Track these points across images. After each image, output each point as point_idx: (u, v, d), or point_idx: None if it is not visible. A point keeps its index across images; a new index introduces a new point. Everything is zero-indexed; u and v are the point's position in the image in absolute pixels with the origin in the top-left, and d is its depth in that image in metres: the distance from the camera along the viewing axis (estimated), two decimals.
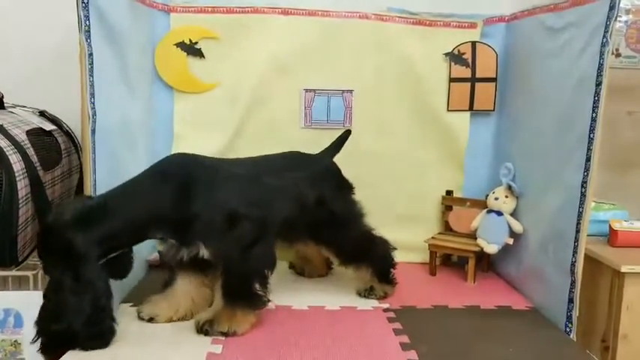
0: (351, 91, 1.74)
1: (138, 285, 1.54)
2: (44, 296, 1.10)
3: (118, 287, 1.41)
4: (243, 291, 1.25)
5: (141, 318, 1.30)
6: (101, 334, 1.13)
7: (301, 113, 1.74)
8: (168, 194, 1.20)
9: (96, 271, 1.11)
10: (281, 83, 1.72)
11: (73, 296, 1.07)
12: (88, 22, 1.22)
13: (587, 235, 1.52)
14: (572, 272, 1.29)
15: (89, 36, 1.23)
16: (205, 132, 1.71)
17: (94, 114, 1.25)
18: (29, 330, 1.16)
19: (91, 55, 1.23)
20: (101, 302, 1.11)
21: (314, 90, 1.74)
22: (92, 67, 1.24)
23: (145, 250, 1.65)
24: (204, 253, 1.23)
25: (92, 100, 1.25)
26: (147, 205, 1.18)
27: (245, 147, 1.73)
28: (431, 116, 1.75)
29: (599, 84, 1.23)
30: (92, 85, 1.24)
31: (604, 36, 1.22)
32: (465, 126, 1.75)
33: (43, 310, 1.09)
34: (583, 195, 1.26)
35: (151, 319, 1.29)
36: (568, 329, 1.31)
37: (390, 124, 1.75)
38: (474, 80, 1.72)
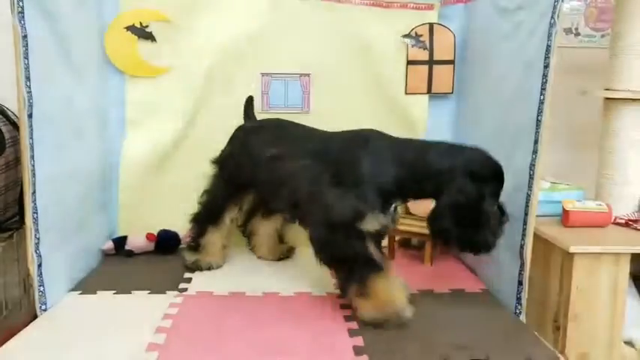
0: (308, 75, 1.71)
1: (90, 273, 1.51)
2: None
3: (68, 275, 1.39)
4: None
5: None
6: None
7: (258, 98, 1.71)
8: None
9: None
10: (236, 67, 1.69)
11: None
12: (21, 2, 1.18)
13: (543, 216, 1.55)
14: (521, 255, 1.29)
15: (23, 17, 1.18)
16: (160, 118, 1.68)
17: (30, 98, 1.21)
18: None
19: (25, 37, 1.19)
20: None
21: (270, 74, 1.71)
22: (27, 49, 1.19)
23: (99, 239, 1.62)
24: None
25: (28, 84, 1.20)
26: None
27: (201, 133, 1.70)
28: (389, 100, 1.73)
29: (546, 66, 1.22)
30: (27, 69, 1.20)
31: (552, 17, 1.21)
32: (423, 109, 1.73)
33: None
34: (531, 177, 1.26)
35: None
36: (518, 311, 1.31)
37: (348, 107, 1.72)
38: (431, 63, 1.70)
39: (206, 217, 1.55)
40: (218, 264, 1.57)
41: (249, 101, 1.62)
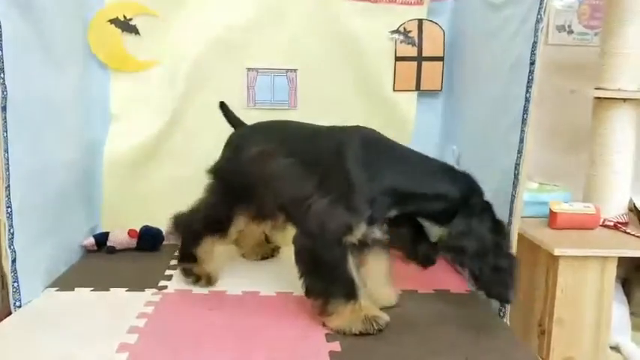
0: (295, 71, 1.68)
1: (69, 270, 1.49)
2: None
3: (45, 271, 1.37)
4: None
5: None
6: None
7: (244, 93, 1.68)
8: None
9: None
10: (222, 62, 1.66)
11: None
12: None
13: (530, 218, 1.53)
14: None
15: None
16: (144, 113, 1.66)
17: (4, 90, 1.19)
18: None
19: None
20: None
21: (256, 69, 1.68)
22: (0, 40, 1.17)
23: (80, 235, 1.60)
24: None
25: (2, 76, 1.18)
26: None
27: (186, 128, 1.68)
28: (377, 97, 1.70)
29: (532, 62, 1.19)
30: (1, 60, 1.17)
31: (538, 12, 1.18)
32: (411, 107, 1.70)
33: None
34: (516, 178, 1.23)
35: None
36: (502, 314, 1.29)
37: (335, 104, 1.69)
38: (420, 59, 1.67)
39: (205, 229, 1.42)
40: (216, 277, 1.44)
41: (225, 107, 1.53)
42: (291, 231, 1.39)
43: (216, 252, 1.48)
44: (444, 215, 1.16)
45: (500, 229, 1.15)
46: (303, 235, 1.21)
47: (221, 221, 1.41)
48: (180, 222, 1.45)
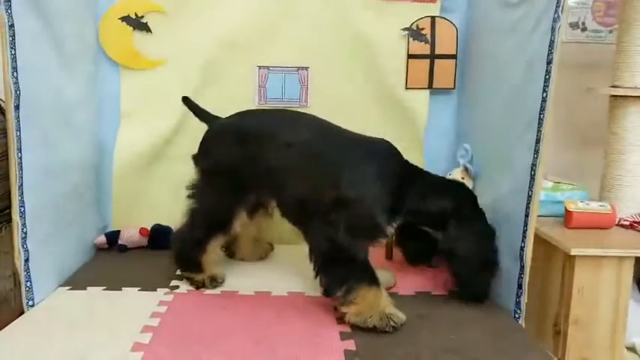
0: (306, 68, 1.67)
1: (81, 268, 1.49)
2: None
3: (57, 270, 1.37)
4: None
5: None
6: None
7: (255, 91, 1.67)
8: None
9: None
10: (233, 59, 1.65)
11: None
12: None
13: (545, 217, 1.51)
14: (521, 258, 1.24)
15: (10, 6, 1.15)
16: (155, 111, 1.65)
17: (17, 89, 1.18)
18: None
19: (12, 26, 1.16)
20: None
21: (268, 67, 1.67)
22: (14, 39, 1.16)
23: (92, 234, 1.60)
24: None
25: (15, 74, 1.17)
26: None
27: (196, 126, 1.66)
28: (388, 94, 1.68)
29: (549, 62, 1.17)
30: (14, 59, 1.17)
31: (555, 11, 1.16)
32: (424, 105, 1.69)
33: None
34: (532, 178, 1.21)
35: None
36: (517, 315, 1.27)
37: (347, 102, 1.68)
38: (433, 57, 1.66)
39: (208, 235, 1.38)
40: (222, 277, 1.43)
41: (189, 101, 1.51)
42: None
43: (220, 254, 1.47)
44: (440, 223, 1.30)
45: (488, 236, 1.31)
46: (325, 229, 1.23)
47: (224, 221, 1.37)
48: (178, 237, 1.43)
